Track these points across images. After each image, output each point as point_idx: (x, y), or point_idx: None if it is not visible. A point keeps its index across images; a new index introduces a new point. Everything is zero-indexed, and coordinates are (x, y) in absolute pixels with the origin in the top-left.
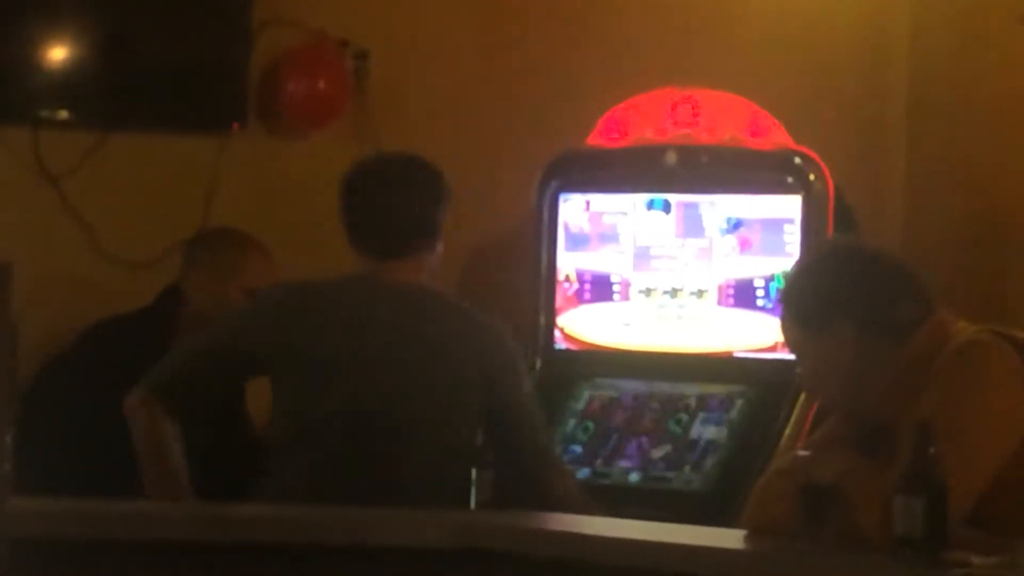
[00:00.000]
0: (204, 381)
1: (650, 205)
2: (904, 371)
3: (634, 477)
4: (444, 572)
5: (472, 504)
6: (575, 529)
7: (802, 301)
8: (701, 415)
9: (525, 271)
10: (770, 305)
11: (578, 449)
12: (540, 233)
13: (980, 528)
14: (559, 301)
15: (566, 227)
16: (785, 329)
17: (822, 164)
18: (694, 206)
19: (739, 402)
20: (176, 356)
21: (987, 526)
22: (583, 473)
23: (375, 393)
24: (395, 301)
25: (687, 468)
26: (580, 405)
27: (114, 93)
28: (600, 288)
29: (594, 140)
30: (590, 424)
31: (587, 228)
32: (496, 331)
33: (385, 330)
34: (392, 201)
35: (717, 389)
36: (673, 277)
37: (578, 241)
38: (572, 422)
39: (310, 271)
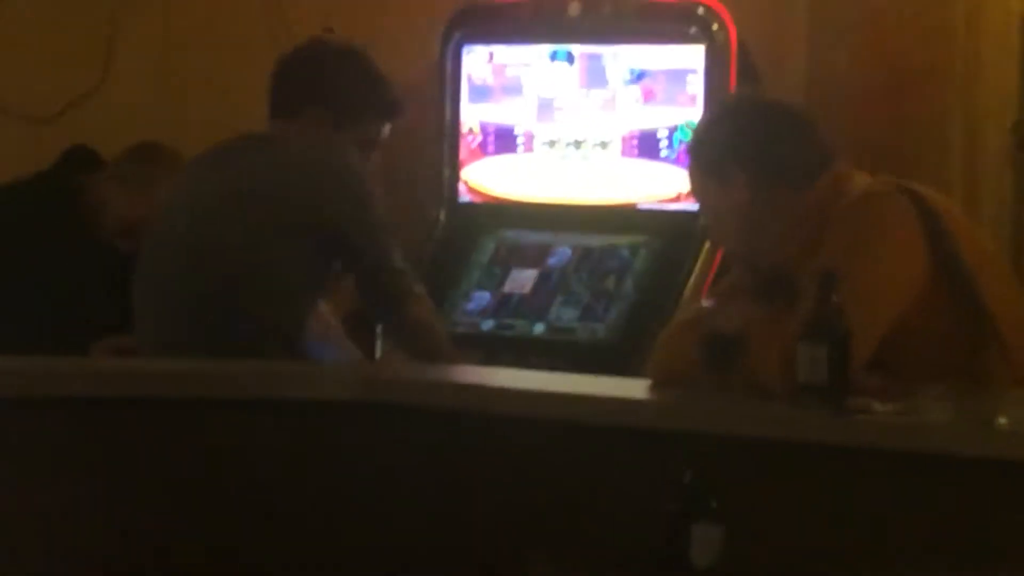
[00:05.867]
0: None
1: (553, 56)
2: (801, 219)
3: (539, 328)
4: (345, 425)
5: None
6: (478, 381)
7: (703, 150)
8: (605, 266)
9: (429, 124)
10: (673, 156)
11: (483, 302)
12: (444, 85)
13: (882, 374)
14: (463, 153)
15: (469, 79)
16: (690, 179)
17: (725, 14)
18: (597, 57)
19: (643, 253)
20: None
21: (888, 372)
22: (487, 324)
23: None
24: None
25: (592, 319)
26: (484, 257)
27: None
28: (504, 140)
29: None
30: (494, 276)
31: (491, 80)
32: (326, 165)
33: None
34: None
35: (621, 240)
36: (577, 129)
37: (482, 93)
38: (476, 274)
39: (216, 112)
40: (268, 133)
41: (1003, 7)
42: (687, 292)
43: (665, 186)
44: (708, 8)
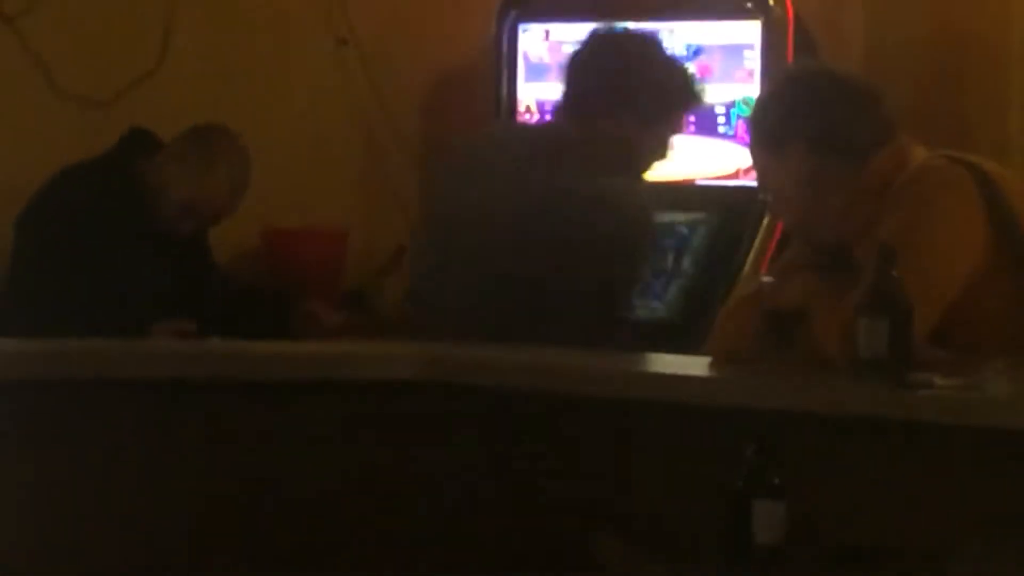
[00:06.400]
0: None
1: None
2: (861, 192)
3: None
4: (412, 405)
5: None
6: (540, 360)
7: (764, 122)
8: (664, 243)
9: (486, 102)
10: (731, 132)
11: None
12: (500, 64)
13: (943, 347)
14: None
15: (526, 57)
16: (751, 151)
17: None
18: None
19: (701, 230)
20: None
21: (950, 345)
22: None
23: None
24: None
25: (650, 297)
26: None
27: None
28: None
29: None
30: None
31: (547, 58)
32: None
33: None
34: None
35: (679, 217)
36: None
37: (538, 71)
38: None
39: (269, 98)
40: (563, 140)
41: None
42: (746, 268)
43: (723, 162)
44: None
